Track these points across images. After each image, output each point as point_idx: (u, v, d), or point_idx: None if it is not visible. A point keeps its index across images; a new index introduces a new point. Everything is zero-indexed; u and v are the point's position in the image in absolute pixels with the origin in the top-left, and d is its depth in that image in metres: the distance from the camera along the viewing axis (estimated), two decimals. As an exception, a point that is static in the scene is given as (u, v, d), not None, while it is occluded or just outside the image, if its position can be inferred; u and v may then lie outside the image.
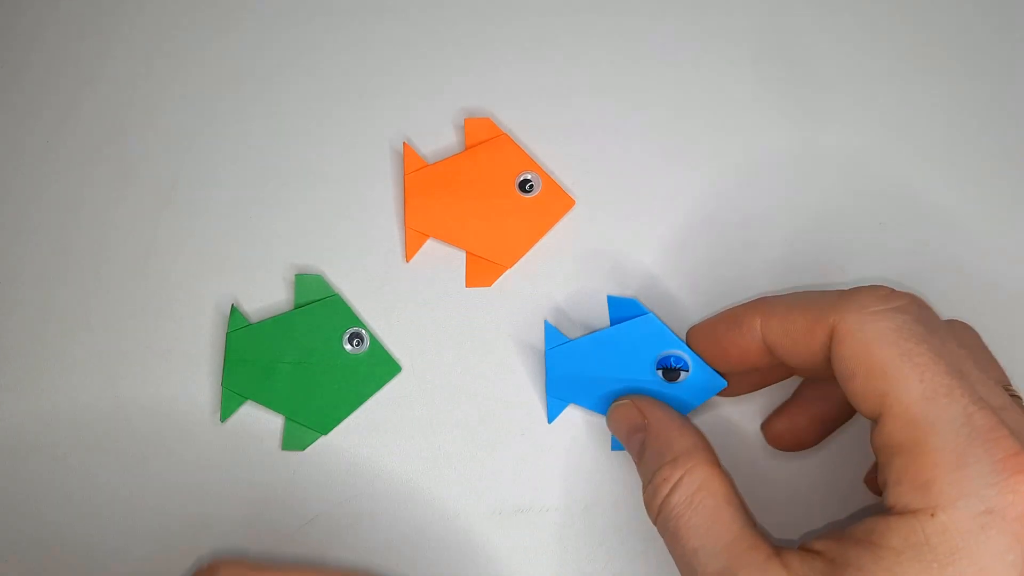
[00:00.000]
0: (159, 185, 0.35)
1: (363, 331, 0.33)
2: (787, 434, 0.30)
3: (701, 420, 0.32)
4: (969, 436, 0.22)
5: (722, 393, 0.30)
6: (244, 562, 0.29)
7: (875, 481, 0.30)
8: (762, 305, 0.27)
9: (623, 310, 0.31)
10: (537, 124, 0.35)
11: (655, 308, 0.33)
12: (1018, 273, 0.34)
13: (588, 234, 0.34)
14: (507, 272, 0.34)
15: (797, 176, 0.34)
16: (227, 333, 0.33)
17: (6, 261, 0.34)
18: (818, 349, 0.25)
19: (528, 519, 0.32)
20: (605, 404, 0.31)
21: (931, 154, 0.35)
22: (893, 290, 0.25)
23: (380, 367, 0.33)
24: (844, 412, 0.30)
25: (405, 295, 0.34)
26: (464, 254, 0.34)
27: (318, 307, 0.33)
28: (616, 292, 0.33)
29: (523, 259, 0.34)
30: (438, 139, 0.35)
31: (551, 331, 0.31)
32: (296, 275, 0.33)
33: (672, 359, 0.30)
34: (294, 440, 0.33)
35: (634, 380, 0.30)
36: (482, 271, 0.34)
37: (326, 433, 0.33)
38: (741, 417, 0.32)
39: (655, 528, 0.27)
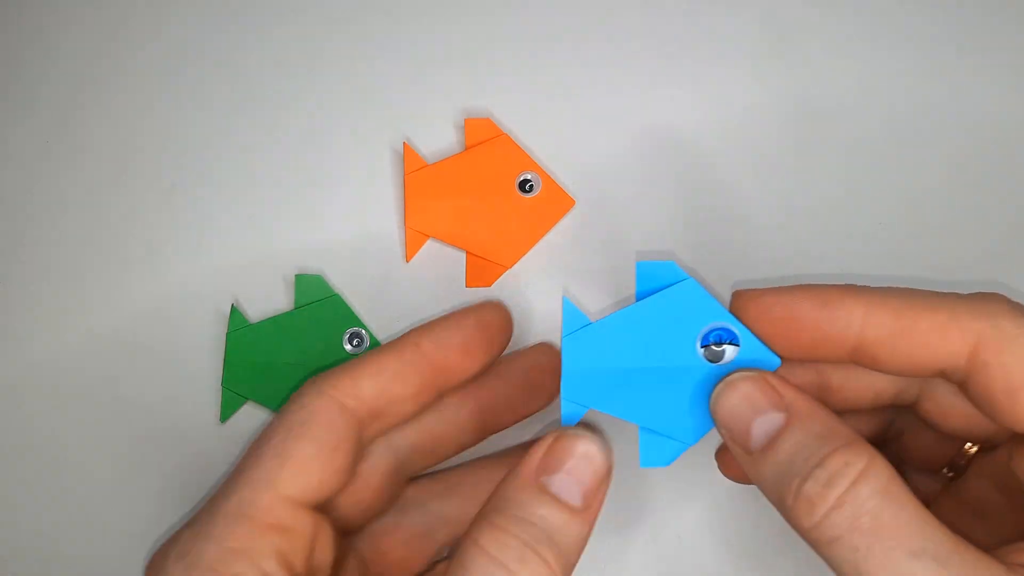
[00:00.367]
0: (159, 185, 0.35)
1: (363, 331, 0.33)
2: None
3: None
4: None
5: (729, 473, 0.27)
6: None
7: (728, 459, 0.28)
8: (863, 293, 0.24)
9: (654, 278, 0.25)
10: (537, 124, 0.35)
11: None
12: (1018, 273, 0.34)
13: (588, 234, 0.34)
14: (507, 272, 0.34)
15: (798, 176, 0.34)
16: (227, 333, 0.33)
17: (5, 261, 0.34)
18: (944, 355, 0.23)
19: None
20: (633, 407, 0.25)
21: (932, 154, 0.34)
22: (1009, 299, 0.23)
23: (380, 367, 0.33)
24: None
25: (405, 295, 0.34)
26: (464, 254, 0.34)
27: (318, 307, 0.33)
28: (617, 292, 0.33)
29: (523, 259, 0.34)
30: (438, 139, 0.35)
31: (571, 311, 0.25)
32: (296, 275, 0.33)
33: (717, 333, 0.25)
34: (294, 440, 0.33)
35: (672, 368, 0.25)
36: (482, 271, 0.34)
37: (326, 433, 0.33)
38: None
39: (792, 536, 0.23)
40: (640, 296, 0.25)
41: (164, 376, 0.33)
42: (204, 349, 0.33)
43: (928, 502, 0.24)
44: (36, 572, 0.33)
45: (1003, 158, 0.34)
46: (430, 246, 0.34)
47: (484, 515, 0.23)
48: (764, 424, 0.23)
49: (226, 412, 0.33)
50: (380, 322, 0.33)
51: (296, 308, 0.33)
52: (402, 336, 0.27)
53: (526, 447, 0.24)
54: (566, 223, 0.34)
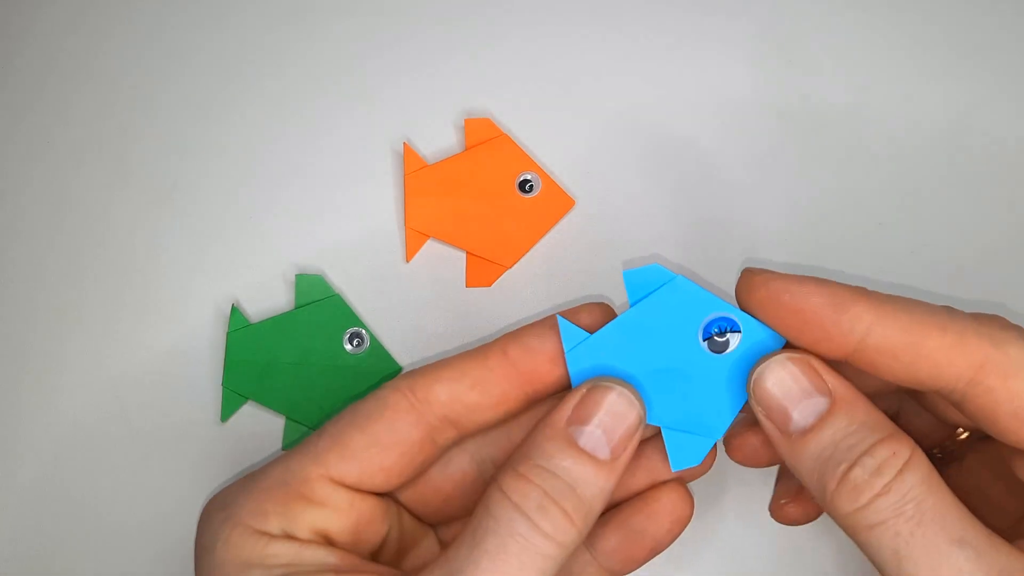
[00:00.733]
0: (159, 185, 0.35)
1: (363, 331, 0.33)
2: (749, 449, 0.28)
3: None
4: None
5: (734, 457, 0.27)
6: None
7: (783, 510, 0.29)
8: (873, 299, 0.23)
9: (644, 284, 0.25)
10: (537, 124, 0.35)
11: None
12: (1019, 273, 0.34)
13: (588, 234, 0.34)
14: (507, 272, 0.34)
15: (798, 176, 0.34)
16: (227, 333, 0.33)
17: (5, 261, 0.34)
18: (948, 376, 0.23)
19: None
20: (651, 411, 0.25)
21: (932, 153, 0.34)
22: (1012, 323, 0.24)
23: (380, 367, 0.33)
24: None
25: (405, 295, 0.34)
26: (464, 254, 0.34)
27: (318, 307, 0.33)
28: (618, 292, 0.33)
29: (523, 259, 0.34)
30: (438, 139, 0.35)
31: (568, 328, 0.25)
32: (296, 275, 0.33)
33: (717, 324, 0.25)
34: (294, 440, 0.33)
35: (680, 366, 0.25)
36: (482, 271, 0.34)
37: (326, 433, 0.33)
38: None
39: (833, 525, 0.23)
40: (635, 302, 0.25)
41: (164, 376, 0.33)
42: (204, 349, 0.33)
43: None
44: (36, 572, 0.33)
45: (1003, 158, 0.34)
46: (430, 246, 0.34)
47: (512, 461, 0.23)
48: (808, 407, 0.23)
49: (226, 412, 0.33)
50: (380, 322, 0.33)
51: (296, 308, 0.33)
52: (494, 340, 0.26)
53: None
54: (566, 223, 0.34)
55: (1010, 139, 0.35)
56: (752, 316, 0.25)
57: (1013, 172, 0.34)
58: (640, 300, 0.25)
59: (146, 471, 0.33)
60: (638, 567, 0.28)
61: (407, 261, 0.34)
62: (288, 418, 0.33)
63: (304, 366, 0.33)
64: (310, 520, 0.24)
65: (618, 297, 0.33)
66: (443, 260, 0.34)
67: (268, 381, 0.33)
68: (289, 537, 0.23)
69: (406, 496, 0.28)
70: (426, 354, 0.33)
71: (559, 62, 0.35)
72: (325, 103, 0.35)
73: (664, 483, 0.28)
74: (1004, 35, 0.35)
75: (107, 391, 0.33)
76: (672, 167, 0.34)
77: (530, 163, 0.34)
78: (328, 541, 0.24)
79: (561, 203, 0.34)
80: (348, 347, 0.33)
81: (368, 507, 0.25)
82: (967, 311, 0.24)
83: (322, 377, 0.33)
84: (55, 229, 0.35)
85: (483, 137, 0.34)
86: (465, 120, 0.34)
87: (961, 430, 0.28)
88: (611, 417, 0.24)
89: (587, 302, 0.27)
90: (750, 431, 0.27)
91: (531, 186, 0.33)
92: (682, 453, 0.25)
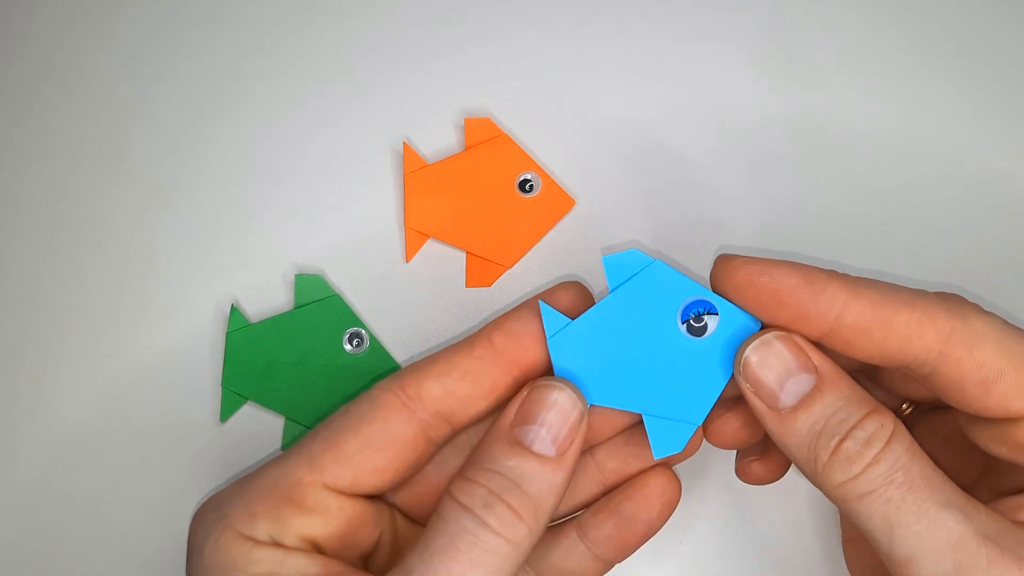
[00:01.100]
0: (159, 185, 0.35)
1: (363, 331, 0.33)
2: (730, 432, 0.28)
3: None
4: None
5: (712, 439, 0.27)
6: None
7: (749, 467, 0.29)
8: (846, 280, 0.24)
9: (623, 269, 0.25)
10: (537, 124, 0.35)
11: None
12: (1019, 274, 0.34)
13: (588, 234, 0.34)
14: (507, 272, 0.34)
15: (798, 176, 0.34)
16: (227, 333, 0.33)
17: (4, 261, 0.34)
18: (918, 349, 0.24)
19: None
20: (631, 397, 0.26)
21: (932, 153, 0.35)
22: (972, 302, 0.25)
23: (380, 367, 0.33)
24: None
25: (405, 295, 0.34)
26: (464, 254, 0.34)
27: (318, 307, 0.33)
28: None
29: (523, 259, 0.34)
30: (438, 139, 0.35)
31: (549, 314, 0.25)
32: (296, 275, 0.33)
33: (694, 307, 0.25)
34: (293, 440, 0.33)
35: (659, 351, 0.25)
36: (482, 271, 0.34)
37: (326, 433, 0.33)
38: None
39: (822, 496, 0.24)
40: (615, 287, 0.26)
41: (163, 376, 0.33)
42: (204, 349, 0.33)
43: None
44: (36, 572, 0.33)
45: (1003, 158, 0.35)
46: (430, 246, 0.34)
47: (461, 470, 0.24)
48: (796, 384, 0.24)
49: (226, 412, 0.33)
50: (380, 322, 0.33)
51: (296, 308, 0.33)
52: (478, 331, 0.26)
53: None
54: (566, 223, 0.34)
55: (1012, 139, 0.35)
56: (728, 300, 0.25)
57: (1013, 171, 0.34)
58: (620, 286, 0.26)
59: (145, 471, 0.33)
60: (632, 553, 0.28)
61: (407, 261, 0.34)
62: (288, 418, 0.33)
63: (304, 366, 0.33)
64: (299, 526, 0.24)
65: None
66: (443, 260, 0.34)
67: (268, 381, 0.32)
68: (275, 544, 0.23)
69: (401, 498, 0.28)
70: (426, 354, 0.33)
71: (559, 62, 0.35)
72: (325, 102, 0.35)
73: (652, 468, 0.28)
74: (1004, 35, 0.35)
75: (107, 391, 0.33)
76: (673, 167, 0.34)
77: (530, 163, 0.34)
78: (316, 548, 0.24)
79: (561, 203, 0.34)
80: (348, 347, 0.33)
81: (359, 511, 0.25)
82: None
83: (322, 377, 0.33)
84: (54, 229, 0.35)
85: (483, 137, 0.34)
86: (465, 120, 0.34)
87: (906, 406, 0.29)
88: (554, 414, 0.24)
89: (562, 281, 0.27)
90: (729, 414, 0.28)
91: (531, 186, 0.33)
92: (664, 440, 0.26)
